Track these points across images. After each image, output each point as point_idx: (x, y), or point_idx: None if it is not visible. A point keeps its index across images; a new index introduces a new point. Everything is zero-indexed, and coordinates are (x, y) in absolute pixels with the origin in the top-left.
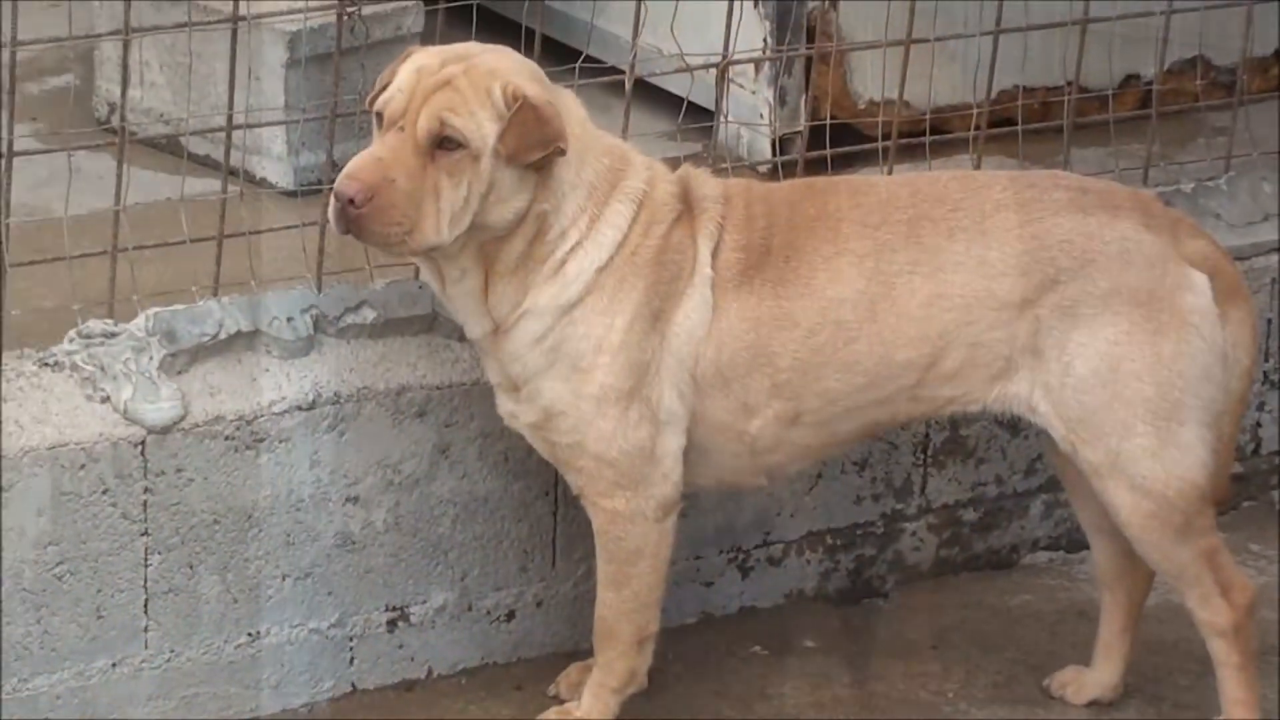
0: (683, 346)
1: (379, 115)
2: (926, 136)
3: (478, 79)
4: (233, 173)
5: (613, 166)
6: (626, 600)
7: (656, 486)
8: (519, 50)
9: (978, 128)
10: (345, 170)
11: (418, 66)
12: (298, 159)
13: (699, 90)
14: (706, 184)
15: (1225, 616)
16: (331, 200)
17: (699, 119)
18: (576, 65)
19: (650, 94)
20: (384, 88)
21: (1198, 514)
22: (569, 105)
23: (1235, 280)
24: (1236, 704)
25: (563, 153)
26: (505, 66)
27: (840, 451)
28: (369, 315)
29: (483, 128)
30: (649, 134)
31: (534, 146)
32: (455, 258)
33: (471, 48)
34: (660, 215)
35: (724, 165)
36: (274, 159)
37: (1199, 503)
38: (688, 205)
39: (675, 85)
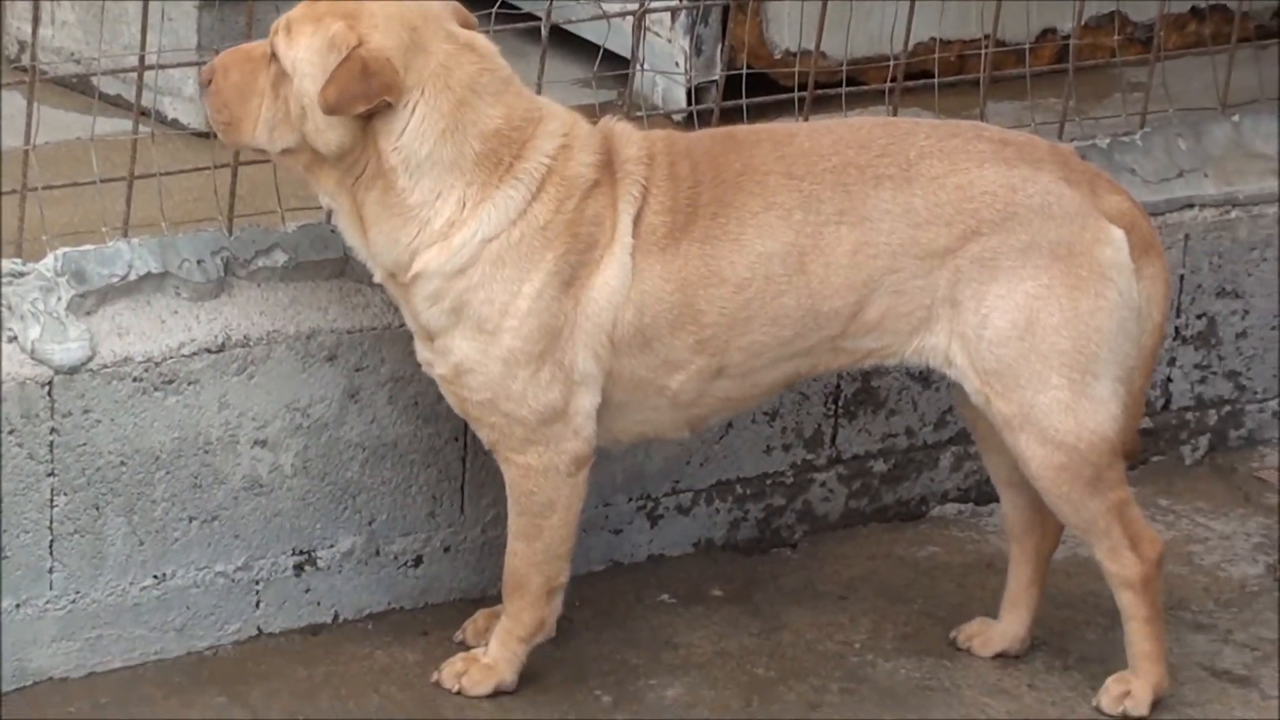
0: (600, 312)
1: None
2: (843, 88)
3: (337, 6)
4: (144, 113)
5: (494, 150)
6: (537, 552)
7: (569, 443)
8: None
9: (894, 80)
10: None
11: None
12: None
13: (615, 38)
14: (630, 143)
15: (1134, 569)
16: None
17: (615, 66)
18: (492, 11)
19: (567, 41)
20: None
21: (1108, 467)
22: (451, 70)
23: (1150, 236)
24: (1143, 657)
25: (389, 105)
26: (379, 8)
27: (760, 402)
28: (280, 258)
29: (295, 50)
30: (564, 80)
31: (351, 99)
32: (316, 181)
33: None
34: (573, 188)
35: (639, 114)
36: (185, 100)
37: (1109, 456)
38: (609, 171)
39: (592, 33)
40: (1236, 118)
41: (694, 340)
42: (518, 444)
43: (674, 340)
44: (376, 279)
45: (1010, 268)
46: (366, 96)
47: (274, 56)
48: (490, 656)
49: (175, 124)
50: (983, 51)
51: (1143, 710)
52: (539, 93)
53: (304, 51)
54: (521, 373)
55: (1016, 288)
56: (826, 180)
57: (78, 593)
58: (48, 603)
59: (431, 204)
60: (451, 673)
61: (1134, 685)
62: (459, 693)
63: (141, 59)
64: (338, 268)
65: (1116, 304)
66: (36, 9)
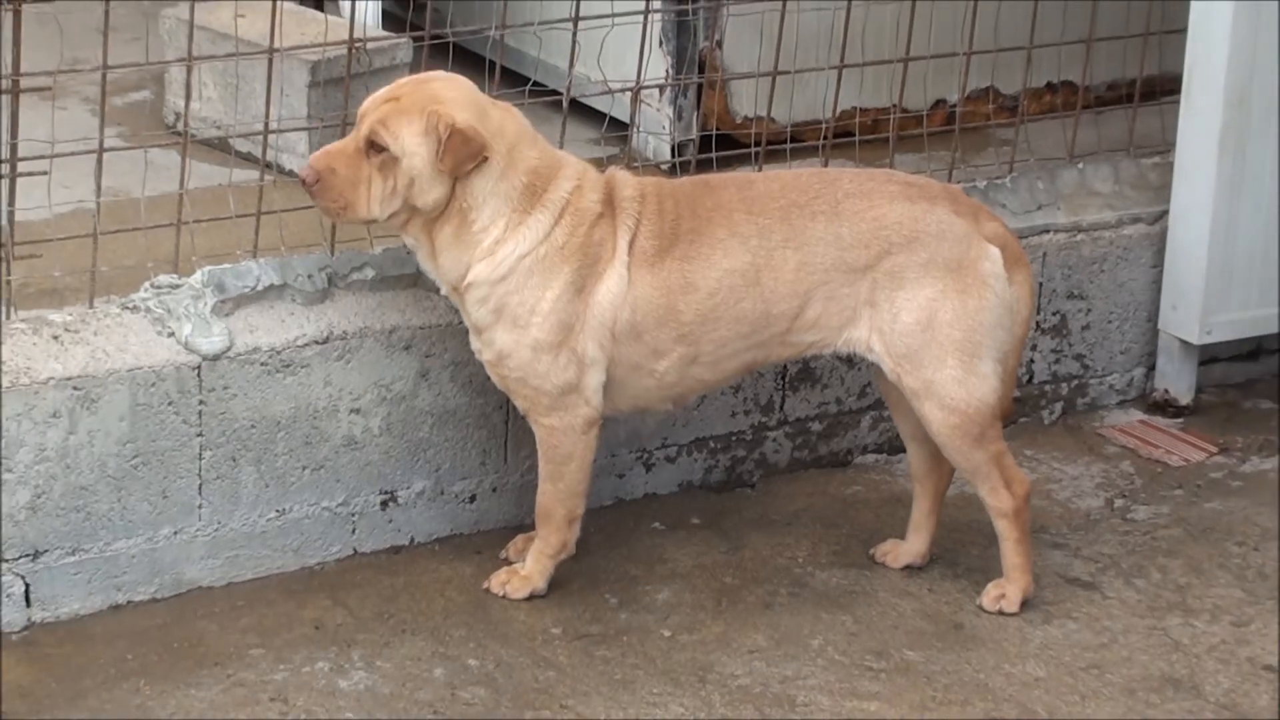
0: (604, 312)
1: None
2: (787, 144)
3: (416, 101)
4: (268, 165)
5: (532, 184)
6: (560, 491)
7: (582, 409)
8: (484, 76)
9: (825, 138)
10: (309, 159)
11: (391, 85)
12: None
13: (617, 108)
14: (627, 186)
15: (1009, 503)
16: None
17: (617, 129)
18: (526, 89)
19: (580, 110)
20: None
21: (990, 427)
22: (501, 120)
23: (1019, 253)
24: (1015, 568)
25: (486, 160)
26: (446, 95)
27: (726, 384)
28: (369, 273)
29: (401, 139)
30: (580, 140)
31: (464, 161)
32: (407, 231)
33: (429, 75)
34: (583, 218)
35: (636, 164)
36: (298, 155)
37: (991, 418)
38: (611, 206)
39: (600, 104)
40: (1081, 165)
41: (675, 334)
42: (544, 410)
43: (659, 333)
44: (443, 291)
45: (914, 278)
46: (471, 157)
47: (375, 148)
48: (527, 569)
49: (290, 174)
50: (891, 116)
51: (1014, 608)
52: (561, 148)
53: (410, 139)
54: (545, 357)
55: (920, 293)
56: (776, 216)
57: (219, 523)
58: (197, 530)
59: (487, 229)
60: (498, 581)
61: (1008, 589)
62: (503, 596)
63: (266, 125)
64: (412, 280)
65: (995, 304)
66: (189, 89)
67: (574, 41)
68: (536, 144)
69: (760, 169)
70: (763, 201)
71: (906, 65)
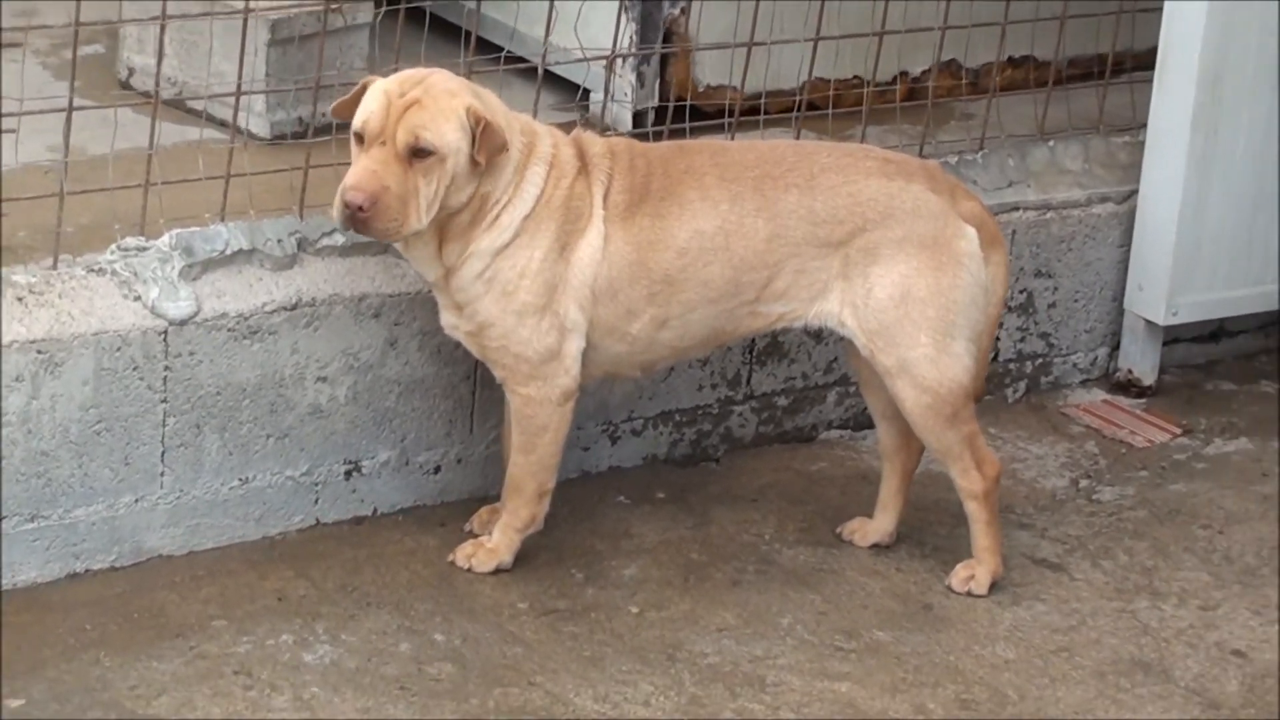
0: (585, 269)
1: (358, 135)
2: (761, 114)
3: (440, 99)
4: (223, 123)
5: (528, 142)
6: (532, 463)
7: (560, 379)
8: (456, 43)
9: (800, 109)
10: (348, 183)
11: (384, 90)
12: (273, 115)
13: (575, 74)
14: (595, 143)
15: (979, 485)
16: (339, 205)
17: (573, 95)
18: (501, 56)
19: (534, 76)
20: (342, 106)
21: (963, 407)
22: (494, 103)
23: (995, 232)
24: (984, 550)
25: (506, 149)
26: (457, 89)
27: (696, 355)
28: (339, 239)
29: (447, 138)
30: (540, 106)
31: (495, 152)
32: (427, 233)
33: (419, 73)
34: (565, 171)
35: (602, 131)
36: (256, 114)
37: (963, 398)
38: (583, 162)
39: (564, 71)
40: (1052, 143)
41: (646, 293)
42: (522, 379)
43: (632, 292)
44: (428, 279)
45: (889, 254)
46: (501, 148)
47: (419, 154)
48: (494, 542)
49: (247, 133)
50: (866, 89)
51: (983, 590)
52: (535, 116)
53: (453, 137)
54: (529, 321)
55: (894, 269)
56: (749, 185)
57: (182, 491)
58: (159, 498)
59: (499, 201)
60: (464, 554)
61: (977, 571)
62: (469, 570)
63: (239, 86)
64: (382, 247)
65: (969, 283)
66: (161, 46)
67: (551, 9)
68: (515, 116)
69: (734, 139)
70: (736, 169)
71: (881, 39)
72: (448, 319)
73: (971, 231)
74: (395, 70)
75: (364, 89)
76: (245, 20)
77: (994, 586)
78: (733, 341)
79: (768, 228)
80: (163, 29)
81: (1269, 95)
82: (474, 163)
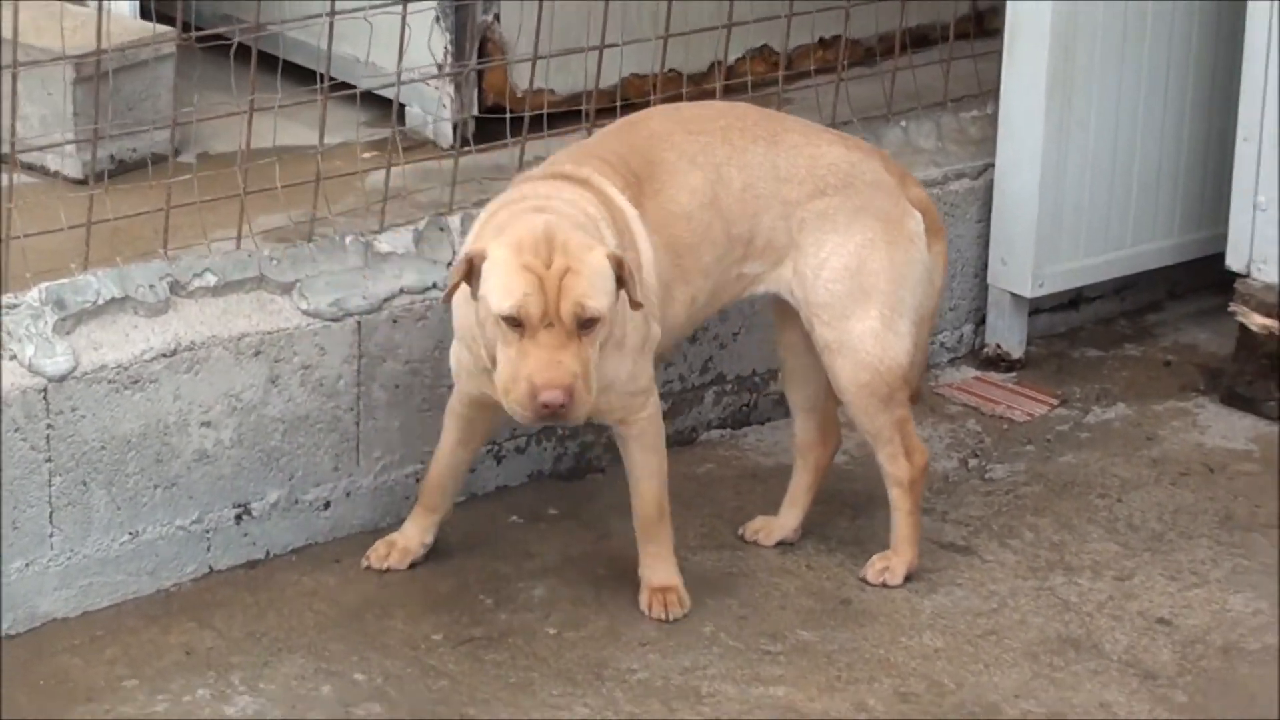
0: (650, 279)
1: (511, 320)
2: (583, 118)
3: (586, 258)
4: (29, 167)
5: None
6: (663, 478)
7: (654, 391)
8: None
9: (601, 108)
10: (541, 381)
11: (523, 265)
12: (84, 155)
13: (387, 90)
14: (566, 162)
15: (906, 472)
16: (528, 403)
17: (384, 109)
18: (322, 84)
19: (348, 95)
20: (456, 285)
21: (899, 389)
22: (592, 211)
23: (938, 222)
24: (904, 540)
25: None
26: (585, 237)
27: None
28: (211, 279)
29: (606, 300)
30: (350, 124)
31: (633, 279)
32: None
33: (539, 227)
34: (609, 213)
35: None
36: (67, 155)
37: (900, 380)
38: (590, 188)
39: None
40: (904, 123)
41: (679, 269)
42: (639, 406)
43: (670, 274)
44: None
45: (845, 223)
46: (638, 267)
47: (590, 323)
48: (670, 579)
49: (57, 174)
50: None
51: (897, 580)
52: (322, 137)
53: (609, 294)
54: (642, 357)
55: (851, 238)
56: (716, 135)
57: (72, 551)
58: (49, 560)
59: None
60: (658, 607)
61: (893, 562)
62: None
63: (95, 131)
64: (256, 283)
65: (919, 261)
66: (14, 98)
67: (370, 32)
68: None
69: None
70: (699, 123)
71: (666, 42)
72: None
73: (919, 216)
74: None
75: (472, 264)
76: (99, 65)
77: (909, 579)
78: (715, 315)
79: (740, 177)
80: (14, 78)
81: (1119, 60)
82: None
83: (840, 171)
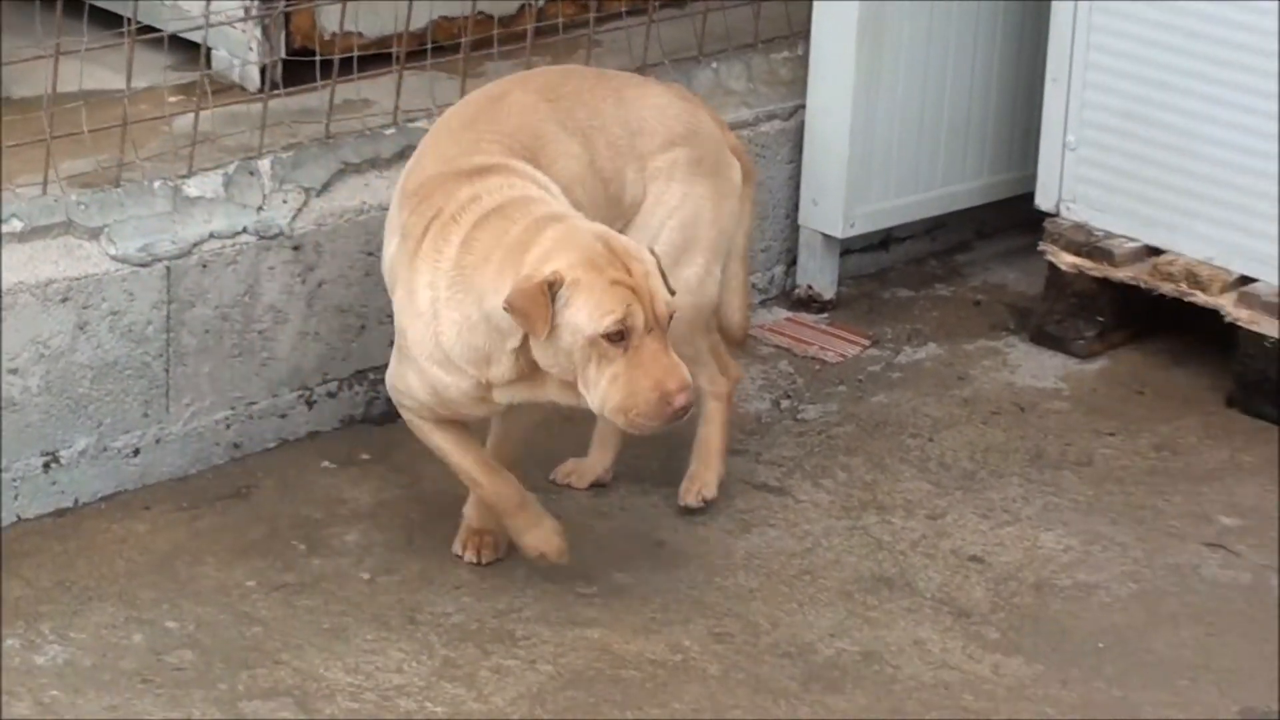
0: None
1: (615, 335)
2: (393, 61)
3: (646, 259)
4: None
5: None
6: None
7: None
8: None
9: (411, 51)
10: (673, 386)
11: (613, 280)
12: None
13: (195, 33)
14: (491, 160)
15: (724, 386)
16: (661, 409)
17: (192, 53)
18: (128, 27)
19: (153, 40)
20: (548, 314)
21: (711, 317)
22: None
23: (750, 167)
24: (714, 453)
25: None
26: (625, 237)
27: None
28: (17, 224)
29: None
30: (154, 68)
31: None
32: None
33: (604, 238)
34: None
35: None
36: None
37: (710, 313)
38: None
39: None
40: (715, 65)
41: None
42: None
43: None
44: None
45: (686, 175)
46: None
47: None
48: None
49: None
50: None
51: (713, 493)
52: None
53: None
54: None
55: (692, 190)
56: (571, 99)
57: None
58: None
59: None
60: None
61: (705, 477)
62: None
63: None
64: (64, 229)
65: (735, 212)
66: None
67: None
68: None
69: (350, 80)
70: (552, 89)
71: None
72: (520, 394)
73: (738, 164)
74: None
75: (546, 289)
76: None
77: (721, 487)
78: None
79: (603, 137)
80: None
81: (930, 1)
82: None
83: (684, 123)
